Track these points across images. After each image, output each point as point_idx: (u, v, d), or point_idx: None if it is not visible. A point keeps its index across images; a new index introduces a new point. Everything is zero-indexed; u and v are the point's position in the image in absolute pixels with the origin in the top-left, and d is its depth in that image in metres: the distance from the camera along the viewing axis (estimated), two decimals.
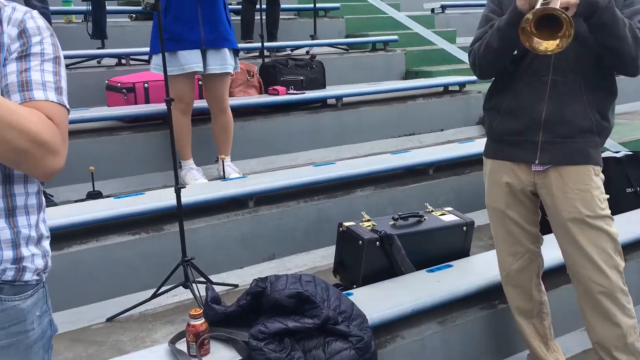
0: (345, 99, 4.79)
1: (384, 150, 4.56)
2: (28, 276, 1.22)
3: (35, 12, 1.20)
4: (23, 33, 1.17)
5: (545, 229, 2.29)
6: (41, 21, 1.20)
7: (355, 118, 4.71)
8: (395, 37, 6.09)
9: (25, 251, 1.21)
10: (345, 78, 5.41)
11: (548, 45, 1.81)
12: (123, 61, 4.80)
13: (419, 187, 3.79)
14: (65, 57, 4.73)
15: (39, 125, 1.10)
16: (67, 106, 1.19)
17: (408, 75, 5.92)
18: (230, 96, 3.96)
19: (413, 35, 6.46)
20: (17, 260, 1.20)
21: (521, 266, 2.29)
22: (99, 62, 4.88)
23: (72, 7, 5.45)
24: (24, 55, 1.16)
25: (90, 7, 4.96)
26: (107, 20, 5.13)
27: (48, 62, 1.17)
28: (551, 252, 2.34)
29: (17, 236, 1.20)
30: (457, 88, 5.31)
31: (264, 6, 5.49)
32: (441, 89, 5.31)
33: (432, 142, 4.83)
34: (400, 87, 5.17)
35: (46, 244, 1.28)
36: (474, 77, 5.23)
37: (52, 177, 1.17)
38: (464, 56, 5.85)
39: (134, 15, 5.86)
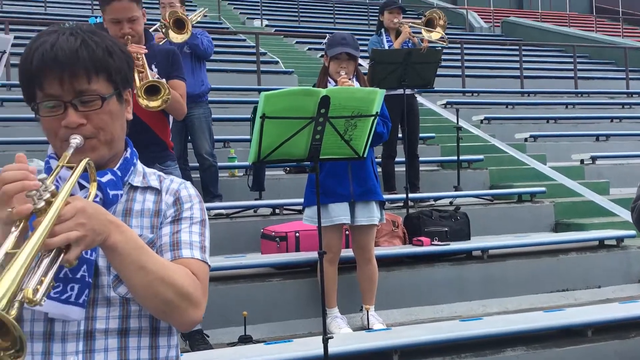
0: (491, 251, 4.69)
1: (534, 307, 4.32)
2: None
3: (188, 183, 1.42)
4: (177, 200, 1.37)
5: None
6: (192, 190, 1.41)
7: (502, 271, 4.57)
8: (543, 188, 5.99)
9: None
10: (490, 229, 5.34)
11: None
12: (277, 211, 5.18)
13: (576, 351, 3.50)
14: (227, 207, 5.22)
15: (185, 280, 1.24)
16: (209, 263, 1.35)
17: (558, 227, 5.71)
18: (375, 246, 4.07)
19: (561, 186, 6.31)
20: None
21: None
22: (255, 212, 5.30)
23: (236, 163, 6.08)
24: (177, 219, 1.35)
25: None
26: (266, 173, 5.64)
27: (196, 224, 1.36)
28: None
29: None
30: (614, 242, 5.01)
31: (403, 159, 5.74)
32: (596, 242, 5.03)
33: (588, 300, 4.50)
34: (551, 241, 4.99)
35: None
36: (633, 232, 4.93)
37: (191, 327, 1.30)
38: (619, 209, 5.57)
39: (287, 169, 6.39)
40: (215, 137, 5.54)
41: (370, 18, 17.43)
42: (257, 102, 6.90)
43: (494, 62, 13.16)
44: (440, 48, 5.67)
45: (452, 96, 9.77)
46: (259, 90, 8.77)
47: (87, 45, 1.25)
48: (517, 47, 12.99)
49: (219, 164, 5.41)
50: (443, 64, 8.79)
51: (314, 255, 4.13)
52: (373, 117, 2.86)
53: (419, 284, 4.34)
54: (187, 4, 5.27)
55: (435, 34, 5.73)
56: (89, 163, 1.23)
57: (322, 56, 13.07)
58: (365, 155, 3.03)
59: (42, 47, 1.23)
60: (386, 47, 5.51)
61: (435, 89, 6.81)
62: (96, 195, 1.25)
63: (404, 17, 5.78)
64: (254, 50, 10.38)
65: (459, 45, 11.48)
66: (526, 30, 17.24)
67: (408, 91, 5.54)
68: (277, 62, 11.09)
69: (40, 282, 1.01)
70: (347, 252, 4.14)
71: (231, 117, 7.30)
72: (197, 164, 5.21)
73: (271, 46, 12.54)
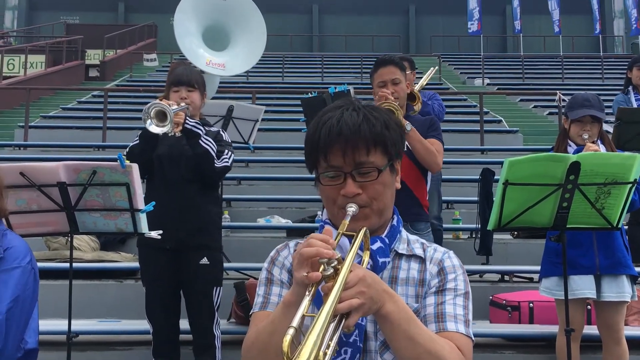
0: None
1: None
2: None
3: (451, 253, 1.42)
4: (442, 271, 1.38)
5: None
6: (456, 260, 1.40)
7: None
8: None
9: None
10: None
11: None
12: (506, 277, 4.92)
13: None
14: None
15: (452, 355, 1.23)
16: (473, 338, 1.31)
17: None
18: (624, 325, 3.63)
19: None
20: None
21: None
22: (481, 277, 5.10)
23: (460, 225, 5.96)
24: (441, 290, 1.35)
25: (479, 224, 5.37)
26: (493, 237, 5.43)
27: (460, 297, 1.35)
28: None
29: None
30: None
31: None
32: None
33: None
34: None
35: None
36: None
37: None
38: None
39: (516, 233, 6.08)
40: None
41: (605, 71, 16.22)
42: (480, 162, 6.79)
43: None
44: None
45: None
46: (482, 150, 8.63)
47: (368, 120, 1.35)
48: None
49: (445, 225, 5.36)
50: None
51: (551, 329, 3.83)
52: (631, 185, 2.61)
53: None
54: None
55: None
56: (366, 233, 1.30)
57: (549, 114, 12.39)
58: (619, 226, 2.76)
59: (329, 122, 1.35)
60: (635, 106, 5.05)
61: None
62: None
63: None
64: (476, 110, 10.27)
65: None
66: None
67: None
68: (500, 121, 10.82)
69: (328, 346, 1.08)
70: (589, 330, 3.75)
71: (455, 178, 7.22)
72: None
73: (493, 105, 12.30)
